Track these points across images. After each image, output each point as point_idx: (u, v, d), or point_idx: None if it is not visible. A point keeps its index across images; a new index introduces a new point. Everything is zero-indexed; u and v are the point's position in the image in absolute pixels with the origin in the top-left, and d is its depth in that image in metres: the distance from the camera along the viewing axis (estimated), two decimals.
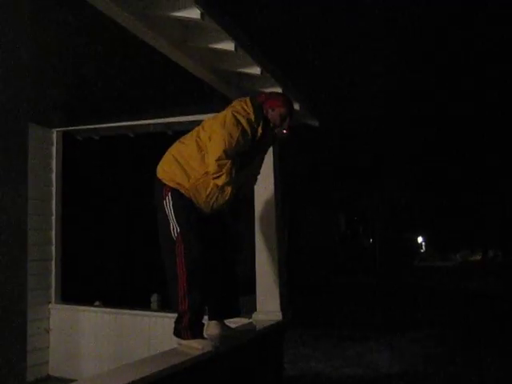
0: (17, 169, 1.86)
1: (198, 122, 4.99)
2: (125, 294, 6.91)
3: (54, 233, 5.49)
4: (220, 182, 3.05)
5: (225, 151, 3.00)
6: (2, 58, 1.80)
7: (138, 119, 5.21)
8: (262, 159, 3.52)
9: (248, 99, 3.23)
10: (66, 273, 5.63)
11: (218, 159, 3.00)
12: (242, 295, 3.66)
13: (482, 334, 9.04)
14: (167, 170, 3.20)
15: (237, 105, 3.22)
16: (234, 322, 3.66)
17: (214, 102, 4.61)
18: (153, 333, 4.88)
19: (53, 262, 5.46)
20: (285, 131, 3.25)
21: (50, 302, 5.42)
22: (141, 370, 2.66)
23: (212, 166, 3.03)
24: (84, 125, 5.53)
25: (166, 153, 3.31)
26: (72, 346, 5.28)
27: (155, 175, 3.26)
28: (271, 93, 3.49)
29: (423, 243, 53.86)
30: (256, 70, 3.62)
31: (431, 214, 38.33)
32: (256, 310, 4.36)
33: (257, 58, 3.47)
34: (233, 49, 3.20)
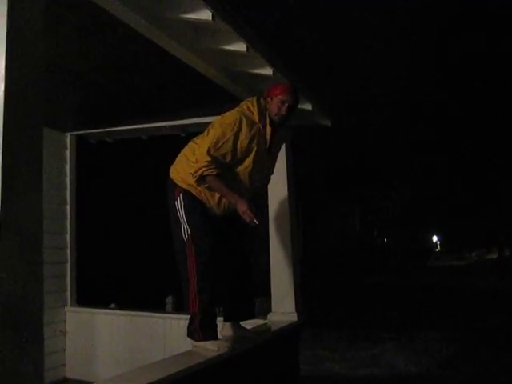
0: (32, 173, 1.87)
1: (209, 124, 5.03)
2: (140, 296, 6.92)
3: (68, 236, 5.52)
4: (192, 170, 3.05)
5: (209, 148, 3.01)
6: (16, 63, 1.81)
7: (151, 122, 5.22)
8: (275, 159, 3.51)
9: (255, 99, 3.23)
10: (81, 276, 5.66)
11: (200, 154, 3.02)
12: (258, 296, 3.65)
13: (499, 335, 8.94)
14: (180, 170, 3.21)
15: (244, 104, 3.23)
16: (249, 323, 3.65)
17: (226, 103, 4.61)
18: (168, 335, 4.88)
19: (68, 265, 5.50)
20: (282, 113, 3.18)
21: (65, 305, 5.45)
22: (157, 372, 2.66)
23: (195, 157, 3.06)
24: (97, 128, 5.56)
25: (180, 153, 3.32)
26: (88, 348, 5.30)
27: (168, 176, 3.27)
28: (273, 83, 3.41)
29: (438, 242, 53.53)
30: (268, 71, 3.61)
31: (446, 212, 38.07)
32: (271, 311, 4.35)
33: (268, 58, 3.47)
34: (244, 50, 3.19)
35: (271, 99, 3.19)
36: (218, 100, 4.34)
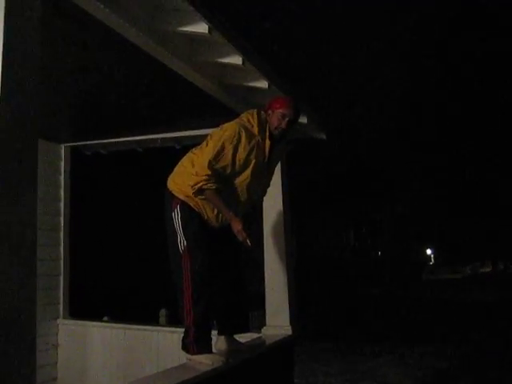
0: (27, 184, 1.86)
1: (205, 136, 5.04)
2: (133, 308, 6.88)
3: (62, 248, 5.49)
4: (191, 182, 3.04)
5: (210, 161, 3.01)
6: (11, 74, 1.81)
7: (146, 134, 5.23)
8: (272, 172, 3.51)
9: (255, 111, 3.23)
10: (75, 288, 5.62)
11: (201, 167, 3.02)
12: (252, 310, 3.64)
13: (493, 349, 8.93)
14: (178, 181, 3.20)
15: (244, 116, 3.22)
16: (243, 337, 3.63)
17: (221, 115, 4.62)
18: (162, 348, 4.85)
19: (61, 277, 5.46)
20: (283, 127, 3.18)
21: (58, 318, 5.40)
22: None
23: (194, 169, 3.06)
24: (92, 140, 5.55)
25: (178, 164, 3.31)
26: (80, 361, 5.25)
27: (165, 187, 3.26)
28: (276, 97, 3.43)
29: (432, 255, 53.56)
30: (264, 84, 3.62)
31: (440, 226, 38.14)
32: (266, 324, 4.33)
33: (264, 71, 3.48)
34: (240, 63, 3.20)
35: (272, 112, 3.18)
36: (214, 112, 4.35)
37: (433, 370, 7.39)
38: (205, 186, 3.00)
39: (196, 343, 3.02)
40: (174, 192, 3.18)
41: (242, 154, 3.08)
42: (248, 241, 3.02)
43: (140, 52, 3.04)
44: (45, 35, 2.08)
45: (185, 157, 3.30)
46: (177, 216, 3.12)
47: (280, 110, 3.16)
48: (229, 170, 3.09)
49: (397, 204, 24.56)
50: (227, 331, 3.42)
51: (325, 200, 19.62)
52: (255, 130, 3.13)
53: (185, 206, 3.13)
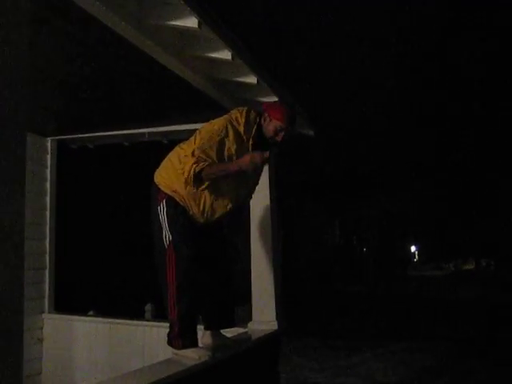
0: (14, 178, 1.85)
1: (193, 131, 5.02)
2: (119, 303, 6.86)
3: (48, 242, 5.45)
4: (183, 177, 3.02)
5: (194, 150, 2.99)
6: None
7: (133, 128, 5.20)
8: (259, 175, 3.50)
9: (245, 110, 3.19)
10: (60, 282, 5.59)
11: (186, 158, 3.00)
12: (238, 305, 3.64)
13: (476, 344, 9.04)
14: (164, 175, 3.18)
15: (233, 113, 3.20)
16: (229, 332, 3.64)
17: (210, 111, 4.61)
18: (147, 342, 4.84)
19: (46, 272, 5.42)
20: (278, 139, 3.18)
21: (43, 312, 5.37)
22: (136, 381, 2.64)
23: (182, 165, 3.03)
24: (78, 133, 5.52)
25: (165, 158, 3.29)
26: (65, 356, 5.23)
27: (152, 181, 3.25)
28: (274, 103, 3.42)
29: (416, 252, 53.99)
30: (252, 80, 3.62)
31: (424, 223, 38.45)
32: (251, 319, 4.34)
33: (253, 67, 3.48)
34: (229, 58, 3.20)
35: (269, 120, 3.15)
36: (202, 107, 4.34)
37: (416, 365, 7.46)
38: (197, 168, 2.95)
39: (181, 338, 3.02)
40: (160, 186, 3.16)
41: (230, 148, 3.07)
42: (265, 155, 3.02)
43: (128, 45, 3.03)
44: (32, 28, 2.06)
45: (172, 151, 3.28)
46: (162, 210, 3.10)
47: (278, 123, 3.13)
48: (213, 153, 3.05)
49: (382, 201, 24.70)
50: (213, 326, 3.43)
51: (310, 198, 19.69)
52: (241, 128, 3.11)
53: (170, 201, 3.11)
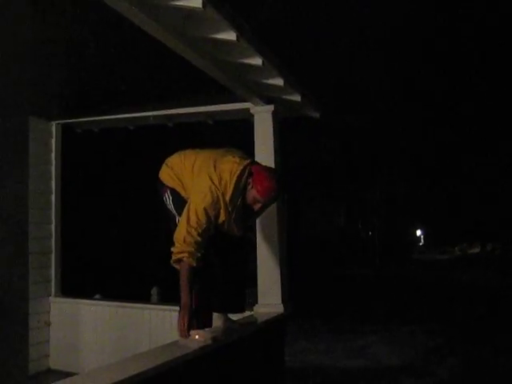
0: (18, 162, 1.84)
1: (198, 114, 4.99)
2: (125, 287, 6.89)
3: (53, 226, 5.45)
4: (175, 249, 3.00)
5: (198, 234, 2.98)
6: (1, 53, 1.77)
7: (138, 111, 5.17)
8: (259, 215, 3.49)
9: (237, 174, 3.11)
10: (66, 266, 5.60)
11: (178, 238, 2.99)
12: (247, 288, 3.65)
13: (481, 327, 9.04)
14: (165, 176, 3.33)
15: (224, 174, 3.11)
16: (235, 315, 3.64)
17: (214, 93, 4.58)
18: (153, 325, 4.86)
19: (52, 256, 5.42)
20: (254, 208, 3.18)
21: (49, 296, 5.38)
22: (142, 363, 2.64)
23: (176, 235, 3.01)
24: (83, 117, 5.49)
25: (166, 160, 3.41)
26: (73, 339, 5.25)
27: (157, 174, 3.38)
28: (265, 171, 3.25)
29: (422, 236, 53.95)
30: (257, 61, 3.57)
31: (430, 207, 38.37)
32: (257, 302, 4.34)
33: (259, 48, 3.43)
34: (234, 39, 3.15)
35: (251, 187, 3.12)
36: (206, 89, 4.31)
37: (421, 347, 7.48)
38: (186, 259, 2.96)
39: (195, 318, 3.02)
40: (164, 181, 3.32)
41: (222, 218, 3.11)
42: (182, 334, 2.99)
43: (133, 27, 2.99)
44: (34, 10, 2.03)
45: (175, 157, 3.38)
46: (168, 199, 3.28)
47: (258, 196, 3.11)
48: (212, 231, 3.10)
49: (388, 185, 24.64)
50: (222, 309, 3.43)
51: (315, 180, 19.64)
52: (227, 197, 3.08)
53: (174, 191, 3.27)
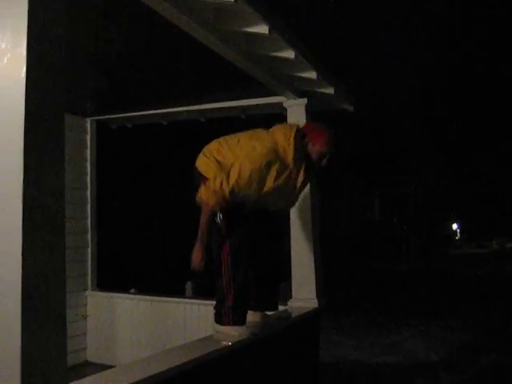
0: (54, 158, 1.85)
1: (230, 109, 4.99)
2: (160, 281, 6.96)
3: (89, 221, 5.55)
4: (205, 193, 2.98)
5: (233, 187, 2.93)
6: (37, 47, 1.78)
7: (171, 107, 5.20)
8: (302, 188, 3.45)
9: (292, 137, 3.09)
10: (102, 260, 5.69)
11: (221, 184, 2.93)
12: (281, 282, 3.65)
13: None
14: (203, 165, 3.19)
15: (280, 139, 3.08)
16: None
17: (247, 87, 4.57)
18: (188, 320, 4.90)
19: (89, 250, 5.53)
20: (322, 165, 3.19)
21: (86, 289, 5.49)
22: (177, 357, 2.66)
23: (215, 182, 2.96)
24: (117, 113, 5.55)
25: (205, 147, 3.28)
26: (109, 332, 5.34)
27: (194, 164, 3.26)
28: (317, 126, 3.32)
29: (458, 230, 53.00)
30: (290, 54, 3.54)
31: (466, 200, 37.68)
32: (292, 297, 4.33)
33: (291, 41, 3.40)
34: (266, 32, 3.13)
35: (313, 146, 3.14)
36: (239, 84, 4.29)
37: (458, 343, 7.35)
38: (212, 203, 2.96)
39: (233, 313, 3.03)
40: (201, 171, 3.17)
41: (269, 182, 3.03)
42: (197, 267, 3.05)
43: (165, 23, 3.00)
44: (70, 7, 2.04)
45: (213, 142, 3.27)
46: None
47: (322, 150, 3.14)
48: (251, 192, 3.03)
49: (423, 178, 24.27)
50: (257, 308, 3.42)
51: (350, 174, 19.49)
52: (289, 159, 3.05)
53: None
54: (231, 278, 3.01)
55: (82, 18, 3.69)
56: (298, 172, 3.13)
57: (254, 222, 3.21)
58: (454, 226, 51.10)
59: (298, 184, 3.19)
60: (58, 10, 1.88)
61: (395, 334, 7.97)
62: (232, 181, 2.94)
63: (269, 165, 2.99)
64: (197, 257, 3.06)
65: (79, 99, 5.28)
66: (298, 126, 3.27)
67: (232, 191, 2.93)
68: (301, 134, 3.17)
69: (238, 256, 3.04)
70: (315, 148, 3.14)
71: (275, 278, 3.53)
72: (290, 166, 3.07)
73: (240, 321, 3.06)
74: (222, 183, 2.93)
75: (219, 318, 3.07)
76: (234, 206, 3.04)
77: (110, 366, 3.13)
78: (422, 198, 26.85)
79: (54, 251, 1.81)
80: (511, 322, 8.94)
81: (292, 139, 3.08)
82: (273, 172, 3.01)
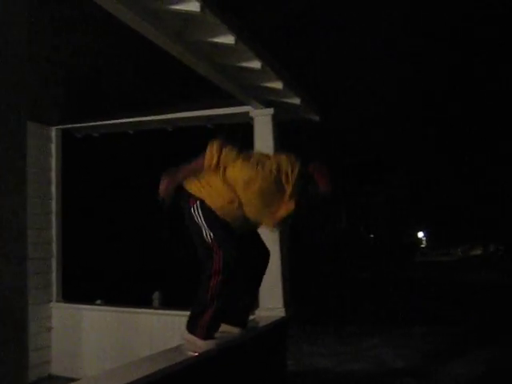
0: (16, 167, 1.82)
1: (197, 118, 4.99)
2: (126, 292, 6.88)
3: (54, 231, 5.46)
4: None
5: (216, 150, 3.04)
6: (0, 58, 1.76)
7: (137, 116, 5.17)
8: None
9: (297, 169, 3.22)
10: (67, 271, 5.60)
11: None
12: None
13: (485, 329, 9.01)
14: (192, 185, 3.20)
15: (283, 163, 3.20)
16: None
17: (214, 97, 4.58)
18: (155, 331, 4.85)
19: (53, 261, 5.43)
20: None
21: (51, 301, 5.39)
22: (144, 369, 2.64)
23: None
24: (83, 122, 5.49)
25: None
26: (74, 344, 5.25)
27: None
28: (319, 167, 3.45)
29: (424, 238, 53.88)
30: (256, 65, 3.57)
31: (432, 209, 38.36)
32: (259, 306, 4.33)
33: (257, 52, 3.43)
34: (233, 42, 3.15)
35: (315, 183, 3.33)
36: (206, 94, 4.30)
37: (425, 351, 7.44)
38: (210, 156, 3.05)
39: (207, 329, 3.01)
40: (190, 191, 3.17)
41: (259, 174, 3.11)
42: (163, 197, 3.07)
43: (131, 32, 2.99)
44: (33, 15, 2.03)
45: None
46: (197, 211, 3.11)
47: (328, 189, 3.35)
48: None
49: (389, 188, 24.62)
50: (228, 322, 3.40)
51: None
52: (290, 180, 3.19)
53: (203, 203, 3.13)
54: (216, 296, 2.99)
55: (46, 26, 3.65)
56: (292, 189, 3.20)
57: (243, 243, 3.23)
58: (420, 234, 51.93)
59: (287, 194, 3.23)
60: (20, 17, 1.86)
61: (363, 342, 8.02)
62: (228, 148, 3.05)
63: (262, 164, 3.10)
64: (163, 184, 3.07)
65: (43, 108, 5.21)
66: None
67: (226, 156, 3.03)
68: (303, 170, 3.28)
69: (229, 272, 3.03)
70: (320, 188, 3.31)
71: (253, 294, 3.54)
72: (284, 183, 3.18)
73: (211, 337, 3.05)
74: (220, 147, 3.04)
75: (192, 328, 3.03)
76: (223, 222, 3.09)
77: (75, 379, 3.08)
78: (389, 207, 27.23)
79: (16, 263, 1.77)
80: (476, 328, 9.12)
81: (296, 170, 3.22)
82: (267, 175, 3.10)
